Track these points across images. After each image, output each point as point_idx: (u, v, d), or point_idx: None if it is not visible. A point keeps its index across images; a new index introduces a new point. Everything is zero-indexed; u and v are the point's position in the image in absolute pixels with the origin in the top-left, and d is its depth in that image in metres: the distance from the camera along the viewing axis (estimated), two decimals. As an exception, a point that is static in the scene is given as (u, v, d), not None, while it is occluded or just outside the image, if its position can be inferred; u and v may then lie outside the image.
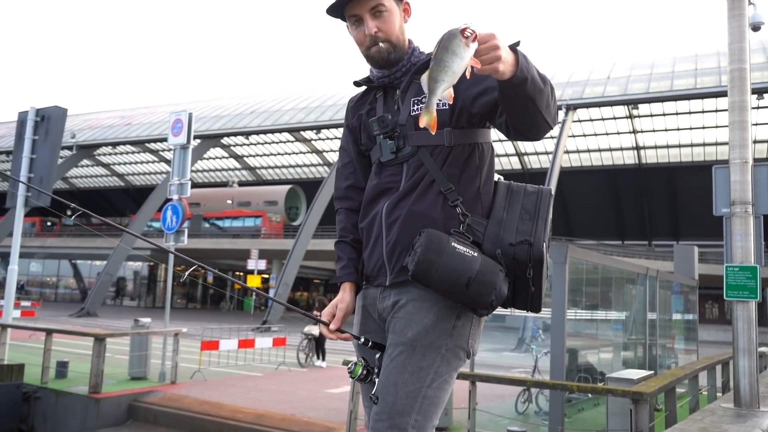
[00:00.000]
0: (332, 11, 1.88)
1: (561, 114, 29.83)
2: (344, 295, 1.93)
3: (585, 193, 40.53)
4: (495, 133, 1.95)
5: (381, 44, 1.84)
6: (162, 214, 11.56)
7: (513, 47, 1.50)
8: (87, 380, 10.00)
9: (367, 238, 1.92)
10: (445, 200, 1.78)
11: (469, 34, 1.39)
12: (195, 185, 49.13)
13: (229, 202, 45.38)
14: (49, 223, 51.22)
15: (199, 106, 42.67)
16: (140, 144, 42.39)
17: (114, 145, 41.84)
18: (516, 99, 1.55)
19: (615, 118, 33.56)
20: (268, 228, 42.15)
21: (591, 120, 34.13)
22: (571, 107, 29.19)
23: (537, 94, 1.54)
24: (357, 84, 2.03)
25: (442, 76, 1.42)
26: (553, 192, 1.84)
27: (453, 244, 1.66)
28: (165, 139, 33.48)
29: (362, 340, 1.85)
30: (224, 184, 49.21)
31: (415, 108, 1.84)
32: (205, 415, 9.18)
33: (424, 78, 1.45)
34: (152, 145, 43.28)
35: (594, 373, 9.73)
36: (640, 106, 30.21)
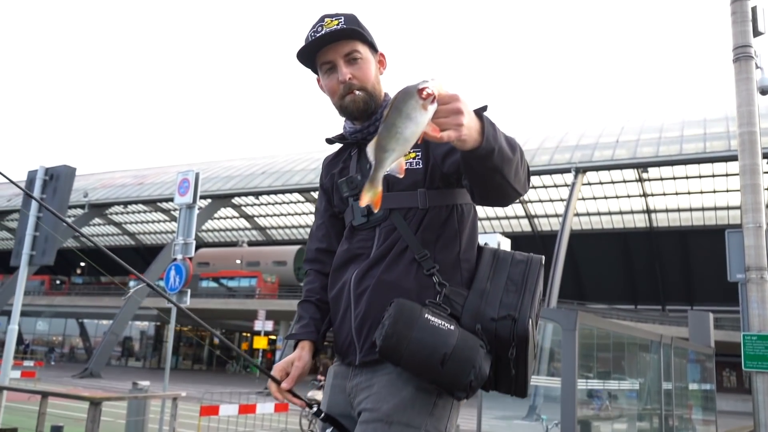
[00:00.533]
0: (303, 58, 1.76)
1: (571, 176, 29.91)
2: (302, 353, 1.76)
3: (596, 256, 40.16)
4: None
5: (356, 92, 1.70)
6: (165, 274, 11.43)
7: (479, 112, 1.36)
8: (80, 446, 9.66)
9: (335, 309, 1.75)
10: (419, 268, 1.62)
11: (427, 95, 1.22)
12: (205, 245, 49.40)
13: (238, 261, 45.30)
14: (58, 282, 51.24)
15: (211, 166, 43.20)
16: (151, 203, 42.76)
17: (126, 204, 42.22)
18: (481, 170, 1.41)
19: (625, 182, 33.56)
20: (263, 288, 42.10)
21: (601, 183, 34.14)
22: (581, 170, 29.23)
23: (505, 164, 1.39)
24: (329, 141, 1.90)
25: (391, 144, 1.24)
26: (543, 261, 1.69)
27: (426, 315, 1.49)
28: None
29: (315, 408, 1.68)
30: (234, 244, 49.26)
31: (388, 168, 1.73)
32: None
33: (370, 146, 1.27)
34: (163, 205, 43.63)
35: (607, 445, 9.29)
36: (650, 169, 30.23)
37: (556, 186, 34.39)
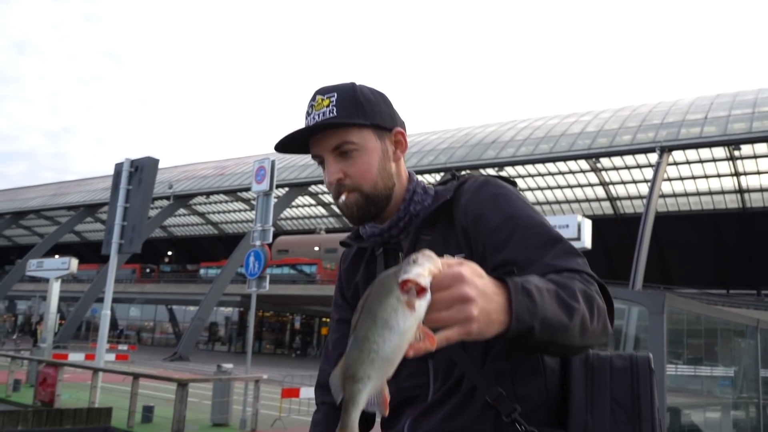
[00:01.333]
0: (285, 149, 1.43)
1: (655, 156, 28.60)
2: None
3: (684, 238, 38.37)
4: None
5: (349, 194, 1.35)
6: (245, 260, 11.71)
7: (502, 277, 1.02)
8: (170, 425, 10.06)
9: None
10: (495, 414, 1.25)
11: (412, 287, 0.87)
12: (284, 233, 50.54)
13: (317, 248, 46.17)
14: (148, 270, 53.73)
15: (288, 155, 44.07)
16: (232, 193, 44.08)
17: (208, 194, 43.72)
18: (524, 348, 1.13)
19: (714, 160, 31.82)
20: (322, 275, 43.07)
21: (688, 162, 32.51)
22: (666, 149, 27.92)
23: (558, 335, 1.05)
24: (343, 244, 1.56)
25: (365, 369, 0.89)
26: (652, 362, 1.29)
27: None
28: (255, 188, 34.67)
29: None
30: (312, 231, 50.22)
31: None
32: None
33: (335, 375, 0.93)
34: (243, 194, 44.87)
35: (699, 434, 8.85)
36: (742, 146, 28.51)
37: (639, 167, 33.02)
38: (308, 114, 1.38)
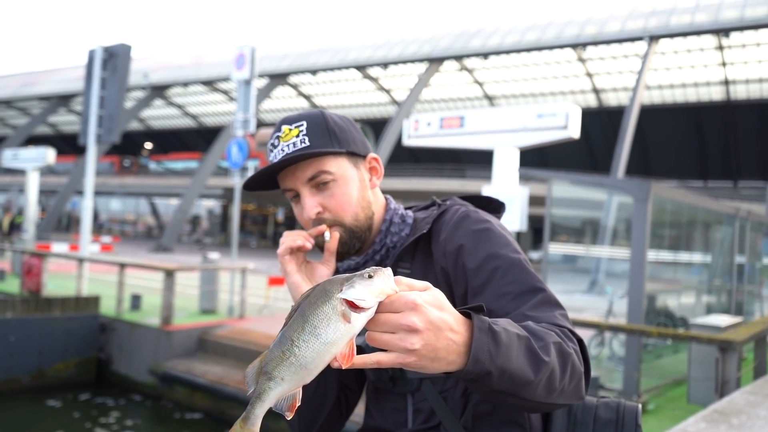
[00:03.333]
0: (254, 186, 1.32)
1: (643, 44, 28.04)
2: None
3: (666, 131, 38.44)
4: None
5: (332, 231, 1.27)
6: (227, 151, 11.50)
7: (467, 312, 0.93)
8: (159, 312, 10.24)
9: None
10: None
11: (352, 305, 0.84)
12: (265, 124, 49.75)
13: (298, 141, 45.73)
14: (126, 163, 53.10)
15: (267, 44, 42.54)
16: (210, 84, 42.86)
17: (185, 84, 42.47)
18: (479, 394, 0.99)
19: (702, 50, 31.30)
20: None
21: (675, 52, 31.96)
22: (655, 38, 27.33)
23: (519, 386, 0.96)
24: None
25: (281, 370, 0.86)
26: (640, 412, 1.24)
27: None
28: (233, 78, 33.83)
29: None
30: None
31: None
32: (271, 349, 9.24)
33: (252, 367, 0.90)
34: (222, 85, 43.70)
35: (674, 318, 9.20)
36: (731, 35, 27.97)
37: (626, 56, 32.41)
38: (273, 146, 1.26)
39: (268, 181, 1.31)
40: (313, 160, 1.25)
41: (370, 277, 0.85)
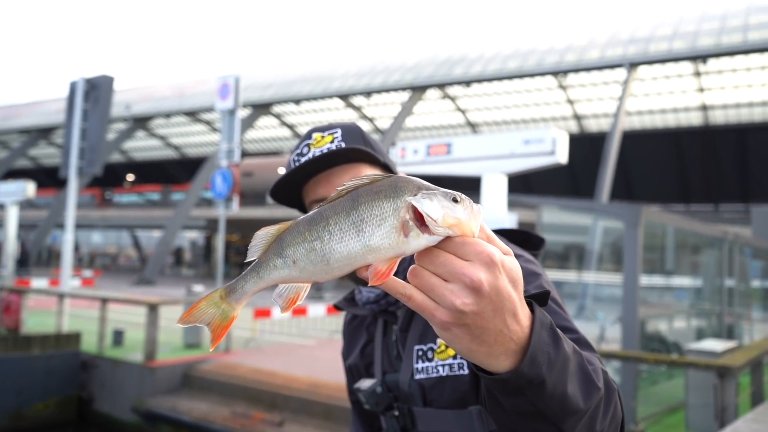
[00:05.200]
0: (282, 194, 1.21)
1: (623, 71, 28.47)
2: None
3: (647, 156, 38.89)
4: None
5: None
6: (211, 182, 11.36)
7: (531, 304, 0.76)
8: (142, 348, 9.96)
9: None
10: None
11: (422, 214, 0.67)
12: (248, 155, 49.66)
13: (282, 170, 45.58)
14: (107, 195, 52.56)
15: (250, 74, 42.67)
16: (192, 114, 42.80)
17: (167, 116, 42.36)
18: (512, 411, 0.77)
19: (681, 76, 31.85)
20: None
21: (654, 79, 32.49)
22: (634, 65, 27.77)
23: (563, 416, 0.77)
24: (337, 307, 1.43)
25: (297, 253, 0.71)
26: None
27: None
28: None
29: None
30: (276, 153, 49.40)
31: (420, 366, 1.17)
32: (259, 383, 9.01)
33: (269, 230, 0.78)
34: (205, 116, 43.65)
35: (667, 343, 9.11)
36: (709, 62, 28.51)
37: (606, 83, 32.88)
38: (301, 155, 1.15)
39: (294, 192, 1.20)
40: (351, 167, 1.14)
41: (455, 200, 0.68)
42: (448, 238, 0.67)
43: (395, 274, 0.81)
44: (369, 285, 0.68)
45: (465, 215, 0.67)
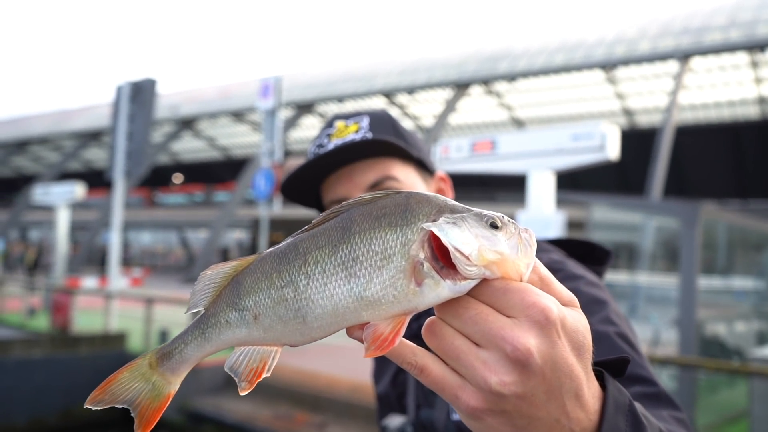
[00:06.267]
0: (295, 193, 1.04)
1: (675, 64, 27.52)
2: None
3: (700, 151, 37.59)
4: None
5: None
6: (253, 182, 11.34)
7: (600, 369, 0.54)
8: (186, 349, 10.02)
9: None
10: None
11: (447, 247, 0.45)
12: (293, 154, 50.02)
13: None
14: (155, 197, 53.75)
15: (293, 74, 42.98)
16: (237, 115, 43.35)
17: (213, 117, 43.02)
18: None
19: (736, 67, 30.63)
20: None
21: (708, 70, 31.34)
22: (688, 56, 26.83)
23: None
24: None
25: (260, 305, 0.51)
26: None
27: None
28: (261, 109, 34.14)
29: None
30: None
31: None
32: (301, 385, 8.95)
33: (224, 268, 0.55)
34: (250, 117, 44.15)
35: (727, 348, 8.63)
36: (767, 51, 27.31)
37: (657, 76, 31.88)
38: (321, 147, 0.97)
39: (309, 190, 1.02)
40: (377, 162, 0.95)
41: (494, 226, 0.46)
42: (483, 281, 0.46)
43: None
44: (365, 355, 0.47)
45: (510, 248, 0.46)
